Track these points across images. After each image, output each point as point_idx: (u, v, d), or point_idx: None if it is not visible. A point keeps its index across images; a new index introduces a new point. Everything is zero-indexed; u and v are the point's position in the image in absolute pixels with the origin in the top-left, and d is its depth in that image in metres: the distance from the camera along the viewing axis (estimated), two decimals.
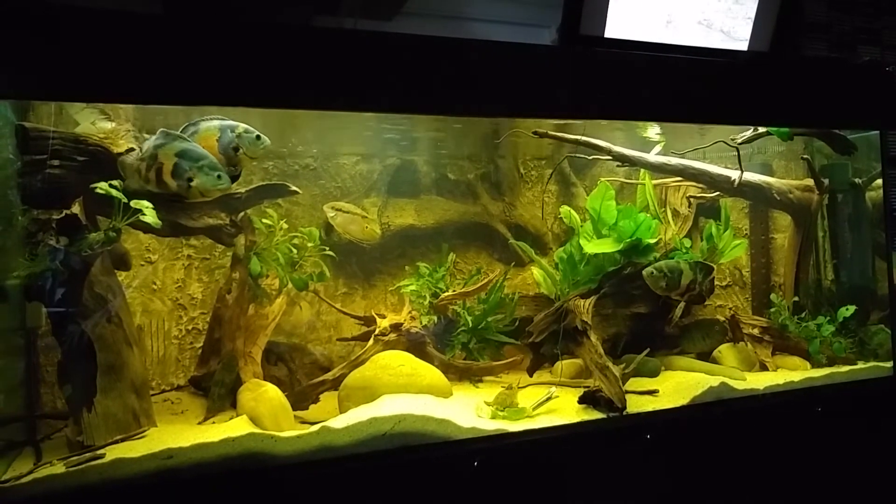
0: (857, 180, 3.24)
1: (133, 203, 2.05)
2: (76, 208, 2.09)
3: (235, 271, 2.46)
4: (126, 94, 1.90)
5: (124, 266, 2.31)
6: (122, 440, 1.98)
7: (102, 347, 2.02)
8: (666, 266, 2.69)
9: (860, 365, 2.92)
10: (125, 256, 2.33)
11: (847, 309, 2.98)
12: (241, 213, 2.45)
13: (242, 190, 2.46)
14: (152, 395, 2.35)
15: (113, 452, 1.87)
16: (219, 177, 2.08)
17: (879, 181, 3.14)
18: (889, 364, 2.90)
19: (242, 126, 2.23)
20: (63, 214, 2.05)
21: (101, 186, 2.01)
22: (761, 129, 2.97)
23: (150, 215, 2.07)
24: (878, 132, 3.00)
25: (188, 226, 2.40)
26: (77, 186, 2.08)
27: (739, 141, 2.98)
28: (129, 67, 1.83)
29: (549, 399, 2.39)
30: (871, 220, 3.25)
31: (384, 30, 2.95)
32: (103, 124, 2.25)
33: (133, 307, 2.48)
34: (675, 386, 2.60)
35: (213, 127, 2.20)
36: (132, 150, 2.29)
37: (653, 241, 2.89)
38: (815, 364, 2.92)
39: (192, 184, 2.06)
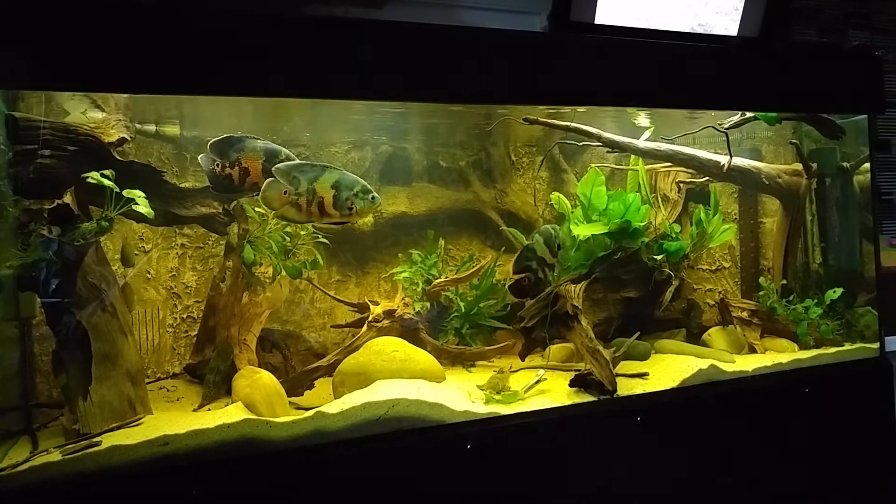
0: (845, 164, 3.26)
1: (126, 192, 2.06)
2: (68, 198, 2.09)
3: (229, 260, 2.47)
4: (117, 83, 1.90)
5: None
6: (118, 428, 1.99)
7: (97, 336, 2.03)
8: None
9: (847, 346, 2.95)
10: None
11: (834, 291, 3.01)
12: (234, 202, 2.46)
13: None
14: (148, 382, 2.37)
15: (109, 440, 1.89)
16: (372, 198, 2.20)
17: (867, 165, 3.16)
18: (875, 345, 2.94)
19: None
20: (55, 204, 2.05)
21: (93, 176, 2.01)
22: (748, 114, 2.99)
23: (143, 205, 2.08)
24: (865, 116, 3.02)
25: (181, 215, 2.42)
26: (68, 176, 2.09)
27: (726, 125, 2.99)
28: (120, 57, 1.83)
29: (538, 381, 2.43)
30: (858, 204, 3.27)
31: (375, 18, 2.94)
32: (94, 114, 2.25)
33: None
34: (665, 368, 2.64)
35: (259, 148, 2.25)
36: (124, 139, 2.30)
37: (641, 224, 2.90)
38: (803, 346, 2.96)
39: (353, 210, 2.17)
